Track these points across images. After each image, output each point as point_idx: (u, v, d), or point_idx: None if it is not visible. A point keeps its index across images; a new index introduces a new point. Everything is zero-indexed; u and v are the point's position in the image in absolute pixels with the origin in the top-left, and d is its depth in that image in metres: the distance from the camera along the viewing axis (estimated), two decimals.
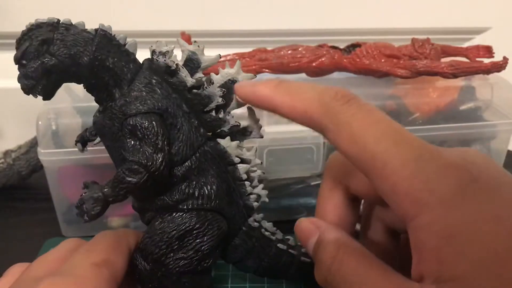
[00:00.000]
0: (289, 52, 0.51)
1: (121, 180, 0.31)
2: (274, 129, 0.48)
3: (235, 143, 0.35)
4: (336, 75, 0.52)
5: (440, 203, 0.24)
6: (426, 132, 0.49)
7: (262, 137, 0.37)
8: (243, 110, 0.36)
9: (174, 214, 0.34)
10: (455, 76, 0.48)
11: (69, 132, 0.41)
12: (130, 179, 0.31)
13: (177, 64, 0.33)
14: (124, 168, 0.31)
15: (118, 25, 0.64)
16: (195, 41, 0.35)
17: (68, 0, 0.63)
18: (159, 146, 0.31)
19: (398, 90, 0.50)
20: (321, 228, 0.31)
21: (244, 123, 0.35)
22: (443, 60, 0.50)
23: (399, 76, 0.49)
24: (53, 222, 0.49)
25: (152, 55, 0.34)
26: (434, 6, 0.69)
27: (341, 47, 0.51)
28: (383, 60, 0.49)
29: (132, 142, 0.32)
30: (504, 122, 0.49)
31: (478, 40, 0.69)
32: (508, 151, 0.52)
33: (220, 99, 0.33)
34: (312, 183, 0.51)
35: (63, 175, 0.46)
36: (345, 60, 0.50)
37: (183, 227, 0.33)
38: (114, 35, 0.33)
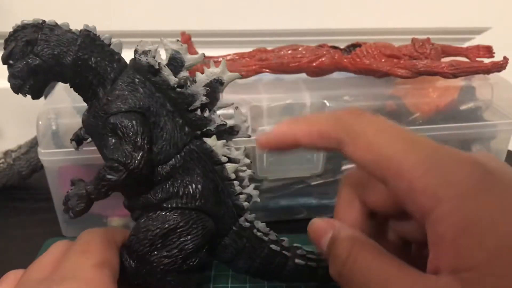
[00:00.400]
0: (289, 52, 0.51)
1: (102, 178, 0.31)
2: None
3: (221, 142, 0.35)
4: (336, 75, 0.52)
5: (456, 195, 0.24)
6: (426, 132, 0.49)
7: (249, 136, 0.37)
8: (229, 110, 0.36)
9: (159, 212, 0.34)
10: (455, 76, 0.47)
11: (69, 132, 0.41)
12: (110, 176, 0.31)
13: (159, 63, 0.33)
14: (105, 166, 0.31)
15: (118, 25, 0.65)
16: (178, 40, 0.35)
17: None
18: (138, 144, 0.31)
19: (398, 90, 0.50)
20: (336, 226, 0.31)
21: (230, 122, 0.36)
22: (443, 60, 0.50)
23: (399, 76, 0.49)
24: (53, 222, 0.49)
25: (134, 54, 0.34)
26: (435, 6, 0.69)
27: (341, 47, 0.51)
28: (383, 60, 0.49)
29: (113, 140, 0.32)
30: (504, 122, 0.49)
31: (478, 40, 0.69)
32: (508, 151, 0.52)
33: (204, 98, 0.33)
34: (312, 183, 0.51)
35: (63, 175, 0.46)
36: (345, 60, 0.50)
37: (167, 226, 0.33)
38: (99, 35, 0.33)
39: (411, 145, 0.26)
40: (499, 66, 0.48)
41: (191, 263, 0.34)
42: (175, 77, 0.33)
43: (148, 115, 0.33)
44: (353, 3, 0.69)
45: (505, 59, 0.48)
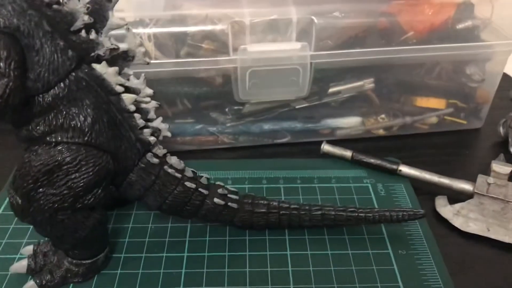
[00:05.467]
0: None
1: None
2: (257, 48, 0.45)
3: (113, 68, 0.31)
4: None
5: None
6: (419, 52, 0.46)
7: (147, 63, 0.33)
8: (121, 31, 0.31)
9: (43, 146, 0.31)
10: None
11: None
12: None
13: None
14: None
15: None
16: None
17: None
18: (1, 71, 0.28)
19: (391, 6, 0.47)
20: None
21: (123, 46, 0.31)
22: None
23: None
24: None
25: None
26: None
27: None
28: None
29: None
30: (502, 42, 0.47)
31: None
32: (504, 73, 0.50)
33: (86, 17, 0.29)
34: (297, 107, 0.49)
35: None
36: None
37: (51, 162, 0.30)
38: None
39: None
40: None
41: (85, 202, 0.32)
42: None
43: (18, 36, 0.28)
44: None
45: None
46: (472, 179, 0.42)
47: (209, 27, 0.44)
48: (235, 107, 0.48)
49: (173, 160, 0.35)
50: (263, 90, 0.47)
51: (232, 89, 0.46)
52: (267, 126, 0.49)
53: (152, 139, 0.34)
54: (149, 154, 0.34)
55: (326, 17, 0.45)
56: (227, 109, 0.48)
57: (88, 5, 0.29)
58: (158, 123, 0.35)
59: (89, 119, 0.31)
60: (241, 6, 0.45)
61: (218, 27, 0.44)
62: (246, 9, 0.45)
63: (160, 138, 0.35)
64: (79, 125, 0.31)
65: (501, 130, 0.51)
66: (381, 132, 0.52)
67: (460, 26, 0.46)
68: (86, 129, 0.31)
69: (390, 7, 0.47)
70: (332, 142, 0.48)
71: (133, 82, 0.33)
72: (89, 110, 0.31)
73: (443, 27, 0.47)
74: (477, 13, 0.47)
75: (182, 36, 0.44)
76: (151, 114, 0.34)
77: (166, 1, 0.46)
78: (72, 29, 0.29)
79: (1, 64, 0.28)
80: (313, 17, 0.44)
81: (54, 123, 0.30)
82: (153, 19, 0.44)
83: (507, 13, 0.46)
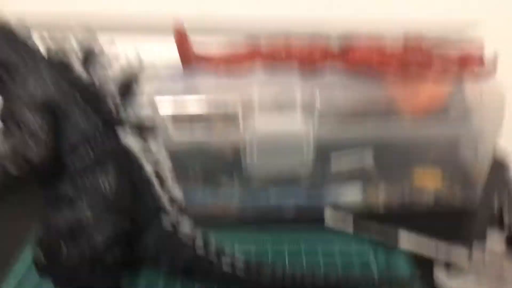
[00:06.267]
0: (282, 43, 0.51)
1: (4, 171, 0.31)
2: (264, 123, 0.48)
3: (138, 140, 0.35)
4: (328, 71, 0.51)
5: None
6: (415, 130, 0.50)
7: (170, 135, 0.37)
8: (147, 107, 0.36)
9: (67, 205, 0.33)
10: (445, 77, 0.48)
11: None
12: (12, 170, 0.31)
13: (70, 55, 0.33)
14: (9, 159, 0.31)
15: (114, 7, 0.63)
16: (89, 30, 0.34)
17: None
18: (40, 138, 0.31)
19: (389, 89, 0.50)
20: None
21: (148, 120, 0.35)
22: (434, 62, 0.50)
23: (389, 74, 0.49)
24: None
25: (47, 46, 0.33)
26: None
27: (333, 41, 0.51)
28: (374, 59, 0.49)
29: (17, 133, 0.32)
30: (491, 125, 0.50)
31: (471, 32, 0.69)
32: (494, 156, 0.53)
33: (117, 92, 0.33)
34: (302, 178, 0.52)
35: None
36: (337, 56, 0.50)
37: (73, 220, 0.33)
38: (14, 29, 0.33)
39: None
40: (488, 71, 0.48)
41: (103, 260, 0.34)
42: (87, 70, 0.33)
43: (54, 106, 0.32)
44: None
45: (494, 57, 0.48)
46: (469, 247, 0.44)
47: (221, 104, 0.48)
48: (244, 179, 0.51)
49: (186, 227, 0.38)
50: (270, 162, 0.50)
51: (241, 161, 0.49)
52: (272, 197, 0.52)
53: (168, 205, 0.37)
54: (164, 219, 0.37)
55: (329, 96, 0.49)
56: (235, 181, 0.51)
57: (119, 84, 0.33)
58: (174, 190, 0.37)
59: (112, 183, 0.34)
60: (250, 87, 0.49)
61: (230, 104, 0.48)
62: (255, 88, 0.49)
63: (175, 206, 0.37)
64: (102, 188, 0.34)
65: (495, 208, 0.53)
66: (381, 205, 0.54)
67: (452, 109, 0.50)
68: (109, 193, 0.34)
69: (388, 89, 0.51)
70: (334, 214, 0.50)
71: (154, 153, 0.36)
72: (112, 176, 0.34)
73: (438, 109, 0.51)
74: (468, 98, 0.51)
75: (196, 113, 0.48)
76: (168, 182, 0.37)
77: (184, 83, 0.50)
78: (102, 102, 0.33)
79: (40, 132, 0.31)
80: (316, 95, 0.48)
81: (79, 184, 0.33)
82: (170, 99, 0.47)
83: (495, 100, 0.50)
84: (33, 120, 0.31)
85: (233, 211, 0.52)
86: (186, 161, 0.49)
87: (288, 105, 0.49)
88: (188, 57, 0.49)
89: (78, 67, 0.33)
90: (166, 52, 0.49)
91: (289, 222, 0.52)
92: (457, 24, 0.71)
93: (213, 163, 0.50)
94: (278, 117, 0.49)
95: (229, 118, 0.48)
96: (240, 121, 0.48)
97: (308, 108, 0.49)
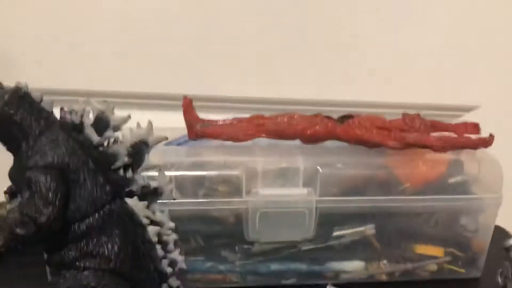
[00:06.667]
0: (285, 119, 0.53)
1: (11, 231, 0.31)
2: (267, 192, 0.49)
3: (143, 203, 0.35)
4: (329, 143, 0.53)
5: None
6: (416, 203, 0.51)
7: (174, 199, 0.37)
8: (154, 172, 0.36)
9: (71, 271, 0.33)
10: (444, 149, 0.49)
11: None
12: (18, 230, 0.31)
13: (82, 122, 0.34)
14: (17, 219, 0.32)
15: (122, 86, 0.67)
16: (105, 101, 0.35)
17: (76, 61, 0.66)
18: (49, 200, 0.32)
19: (389, 160, 0.52)
20: None
21: (154, 183, 0.36)
22: (432, 134, 0.52)
23: (389, 147, 0.50)
24: None
25: (60, 112, 0.35)
26: (425, 83, 0.72)
27: (335, 117, 0.53)
28: (374, 131, 0.51)
29: (27, 194, 0.32)
30: (490, 196, 0.51)
31: (467, 118, 0.72)
32: (496, 226, 0.53)
33: (126, 158, 0.34)
34: (303, 248, 0.52)
35: None
36: (338, 130, 0.52)
37: (76, 286, 0.33)
38: (29, 92, 0.34)
39: None
40: (486, 143, 0.50)
41: None
42: (100, 136, 0.34)
43: (67, 172, 0.33)
44: (348, 77, 0.72)
45: (491, 136, 0.50)
46: None
47: (225, 172, 0.49)
48: (245, 246, 0.51)
49: None
50: (271, 230, 0.50)
51: (243, 229, 0.50)
52: (274, 266, 0.51)
53: (169, 270, 0.37)
54: (165, 285, 0.37)
55: (330, 167, 0.50)
56: (237, 248, 0.51)
57: (129, 148, 0.34)
58: (175, 254, 0.37)
59: (116, 248, 0.34)
60: (254, 154, 0.51)
61: (233, 172, 0.49)
62: (258, 158, 0.50)
63: (176, 269, 0.37)
64: (106, 253, 0.34)
65: (499, 279, 0.52)
66: (384, 277, 0.53)
67: (451, 180, 0.51)
68: (112, 257, 0.34)
69: (387, 161, 0.52)
70: (336, 286, 0.49)
71: (158, 216, 0.36)
72: (116, 239, 0.34)
73: (437, 180, 0.51)
74: (466, 169, 0.52)
75: (200, 179, 0.49)
76: (170, 246, 0.37)
77: (188, 149, 0.52)
78: (112, 167, 0.34)
79: (50, 194, 0.32)
80: (318, 167, 0.50)
81: (84, 249, 0.33)
82: (176, 163, 0.49)
83: (493, 171, 0.51)
84: (45, 182, 0.32)
85: (234, 279, 0.51)
86: (187, 227, 0.50)
87: (291, 176, 0.51)
88: (194, 123, 0.51)
89: (90, 131, 0.34)
90: (174, 121, 0.51)
91: None
92: (453, 109, 0.74)
93: (214, 230, 0.50)
94: (281, 189, 0.50)
95: (232, 183, 0.49)
96: (243, 187, 0.49)
97: (310, 180, 0.50)
